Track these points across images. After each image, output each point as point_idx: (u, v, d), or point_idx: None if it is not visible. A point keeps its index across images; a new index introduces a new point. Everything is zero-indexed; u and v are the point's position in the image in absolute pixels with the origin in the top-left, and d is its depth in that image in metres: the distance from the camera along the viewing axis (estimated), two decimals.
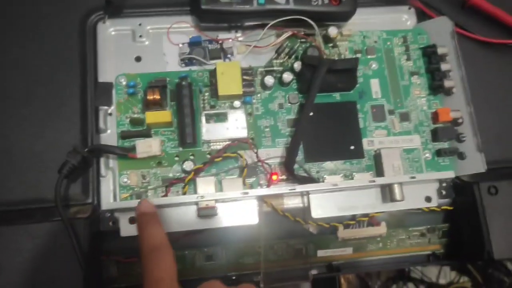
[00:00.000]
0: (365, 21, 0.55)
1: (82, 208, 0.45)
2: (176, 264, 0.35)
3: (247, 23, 0.51)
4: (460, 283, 0.87)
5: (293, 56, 0.51)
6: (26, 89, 0.48)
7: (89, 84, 0.49)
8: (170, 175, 0.46)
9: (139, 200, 0.41)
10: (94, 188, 0.46)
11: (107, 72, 0.50)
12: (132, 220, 0.45)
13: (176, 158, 0.47)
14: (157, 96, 0.46)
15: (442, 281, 0.89)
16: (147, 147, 0.45)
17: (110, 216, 0.46)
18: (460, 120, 0.50)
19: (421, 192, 0.49)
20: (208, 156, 0.47)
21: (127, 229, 0.45)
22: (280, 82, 0.50)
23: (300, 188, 0.45)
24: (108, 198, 0.47)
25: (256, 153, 0.46)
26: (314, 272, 0.51)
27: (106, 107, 0.48)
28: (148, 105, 0.47)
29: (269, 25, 0.50)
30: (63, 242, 0.42)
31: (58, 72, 0.49)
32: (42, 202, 0.45)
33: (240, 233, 0.49)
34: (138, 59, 0.50)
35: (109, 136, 0.48)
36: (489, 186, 0.48)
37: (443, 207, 0.51)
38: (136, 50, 0.51)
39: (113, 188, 0.47)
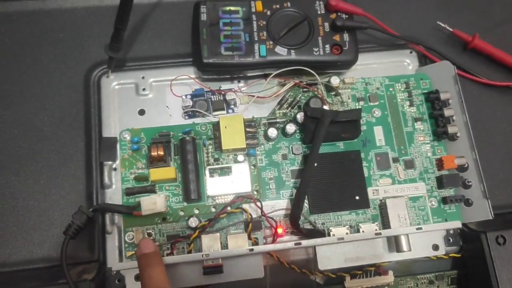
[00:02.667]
0: (367, 67, 0.55)
1: (88, 267, 0.45)
2: None
3: (249, 74, 0.52)
4: None
5: (295, 106, 0.51)
6: (30, 145, 0.48)
7: (94, 139, 0.49)
8: (176, 231, 0.46)
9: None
10: (100, 245, 0.47)
11: (111, 126, 0.50)
12: (138, 277, 0.45)
13: (181, 213, 0.47)
14: (161, 152, 0.46)
15: None
16: (151, 204, 0.45)
17: (116, 273, 0.46)
18: (465, 166, 0.50)
19: (428, 240, 0.49)
20: (213, 209, 0.47)
21: (133, 287, 0.44)
22: (284, 133, 0.50)
23: (305, 243, 0.44)
24: (114, 255, 0.47)
25: (261, 208, 0.46)
26: None
27: (110, 162, 0.49)
28: (152, 161, 0.47)
29: (271, 76, 0.50)
30: None
31: (63, 127, 0.49)
32: (48, 261, 0.45)
33: (246, 285, 0.48)
34: (141, 112, 0.51)
35: (114, 191, 0.48)
36: (497, 236, 0.47)
37: (451, 255, 0.51)
38: (139, 103, 0.51)
39: (118, 244, 0.47)
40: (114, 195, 0.48)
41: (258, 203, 0.46)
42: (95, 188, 0.48)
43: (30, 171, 0.48)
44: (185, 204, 0.47)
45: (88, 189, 0.48)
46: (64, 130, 0.49)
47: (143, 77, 0.52)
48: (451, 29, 0.56)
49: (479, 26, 0.57)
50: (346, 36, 0.52)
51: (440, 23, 0.56)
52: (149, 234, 0.46)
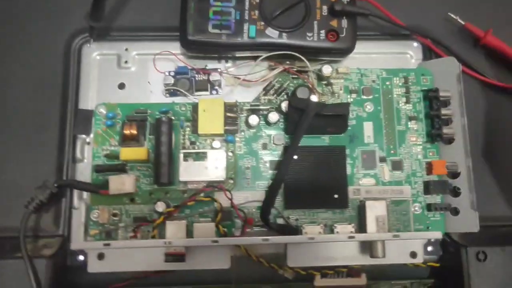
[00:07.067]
0: (366, 56, 0.52)
1: (50, 241, 0.44)
2: None
3: (238, 55, 0.49)
4: None
5: (282, 93, 0.48)
6: (6, 113, 0.47)
7: (70, 110, 0.48)
8: (143, 213, 0.45)
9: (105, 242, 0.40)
10: (66, 220, 0.46)
11: (88, 98, 0.48)
12: (101, 256, 0.44)
13: (151, 196, 0.45)
14: (134, 132, 0.45)
15: None
16: (120, 184, 0.44)
17: (79, 250, 0.45)
18: (457, 172, 0.47)
19: (406, 247, 0.47)
20: (185, 195, 0.46)
21: (95, 266, 0.44)
22: (266, 121, 0.47)
23: (274, 239, 0.43)
24: (79, 231, 0.46)
25: (231, 199, 0.44)
26: None
27: (84, 136, 0.47)
28: (124, 140, 0.45)
29: (259, 59, 0.47)
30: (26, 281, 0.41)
31: (39, 96, 0.48)
32: (12, 231, 0.44)
33: (212, 275, 0.47)
34: (121, 86, 0.49)
35: (86, 166, 0.47)
36: (478, 252, 0.45)
37: (429, 263, 0.48)
38: (120, 76, 0.49)
39: (84, 221, 0.46)
40: (85, 170, 0.47)
41: (228, 194, 0.44)
42: (66, 161, 0.47)
43: (4, 138, 0.47)
44: (155, 186, 0.45)
45: (59, 162, 0.47)
46: (40, 100, 0.47)
47: (126, 49, 0.49)
48: (462, 22, 0.52)
49: (494, 22, 0.52)
50: (344, 22, 0.48)
51: (451, 15, 0.52)
52: (115, 214, 0.45)
